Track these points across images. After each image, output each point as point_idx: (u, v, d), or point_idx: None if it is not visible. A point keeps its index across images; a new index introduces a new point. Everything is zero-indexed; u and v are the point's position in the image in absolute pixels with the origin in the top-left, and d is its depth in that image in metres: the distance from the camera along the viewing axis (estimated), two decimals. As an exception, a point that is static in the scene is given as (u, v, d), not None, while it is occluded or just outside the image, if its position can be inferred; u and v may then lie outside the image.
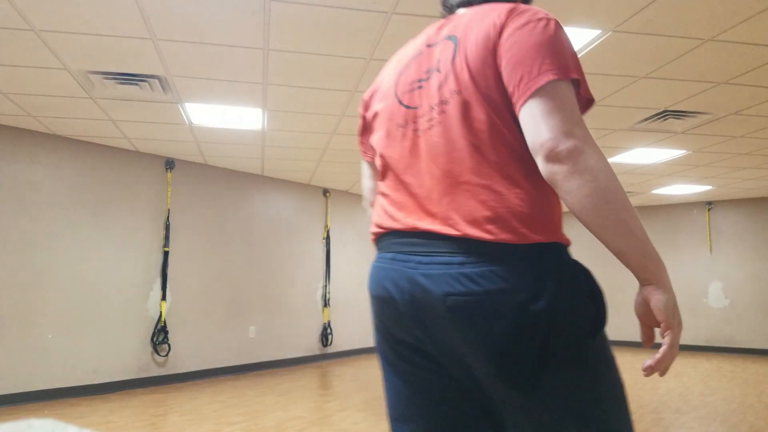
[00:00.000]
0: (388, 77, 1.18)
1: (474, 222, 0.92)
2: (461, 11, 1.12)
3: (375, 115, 1.19)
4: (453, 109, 0.99)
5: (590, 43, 2.96)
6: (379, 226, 1.10)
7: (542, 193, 0.94)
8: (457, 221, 0.94)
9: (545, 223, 0.93)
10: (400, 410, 1.07)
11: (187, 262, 5.61)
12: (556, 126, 0.86)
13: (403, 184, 1.06)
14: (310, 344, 6.86)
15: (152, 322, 5.24)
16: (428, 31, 1.14)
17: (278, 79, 3.50)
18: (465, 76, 0.98)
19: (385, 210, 1.10)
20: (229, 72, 3.37)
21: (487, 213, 0.92)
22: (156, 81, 3.50)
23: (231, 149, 5.27)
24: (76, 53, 3.10)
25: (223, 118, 4.26)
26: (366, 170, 1.31)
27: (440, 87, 1.02)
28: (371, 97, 1.24)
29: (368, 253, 7.95)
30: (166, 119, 4.31)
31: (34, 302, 4.49)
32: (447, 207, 0.96)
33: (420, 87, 1.07)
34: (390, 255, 1.05)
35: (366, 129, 1.26)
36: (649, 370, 0.87)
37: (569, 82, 0.91)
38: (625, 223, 0.84)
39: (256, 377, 5.69)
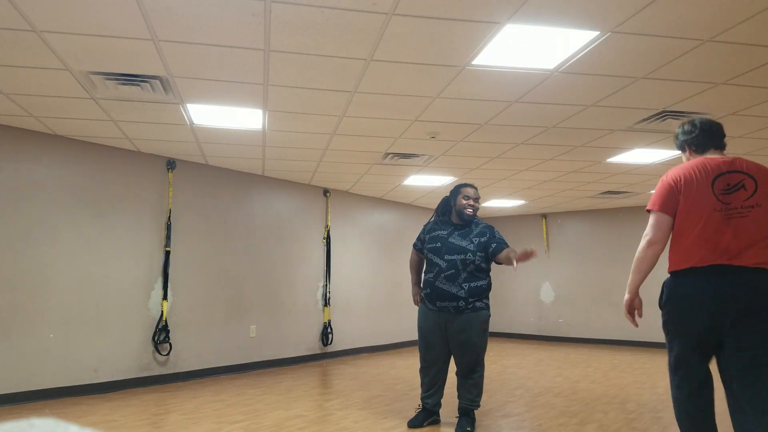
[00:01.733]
0: (696, 179, 2.25)
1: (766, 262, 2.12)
2: (713, 153, 2.36)
3: (689, 198, 2.24)
4: (757, 209, 2.17)
5: (589, 44, 2.97)
6: (701, 261, 2.17)
7: None
8: (757, 261, 2.11)
9: None
10: (694, 359, 2.22)
11: (188, 262, 5.63)
12: None
13: (717, 241, 2.16)
14: (310, 343, 6.88)
15: (153, 321, 5.26)
16: (719, 162, 2.27)
17: (279, 80, 3.52)
18: (763, 196, 2.19)
19: (705, 252, 2.16)
20: (230, 73, 3.39)
21: None
22: (157, 82, 3.51)
23: (232, 149, 5.29)
24: (77, 54, 3.11)
25: (224, 118, 4.28)
26: (667, 222, 2.29)
27: (748, 198, 2.19)
28: (678, 183, 2.27)
29: (368, 253, 7.97)
30: (168, 120, 4.33)
31: (36, 302, 4.51)
32: (751, 254, 2.12)
33: (728, 193, 2.20)
34: (713, 276, 2.15)
35: (674, 201, 2.27)
36: None
37: None
38: None
39: (256, 376, 5.71)
